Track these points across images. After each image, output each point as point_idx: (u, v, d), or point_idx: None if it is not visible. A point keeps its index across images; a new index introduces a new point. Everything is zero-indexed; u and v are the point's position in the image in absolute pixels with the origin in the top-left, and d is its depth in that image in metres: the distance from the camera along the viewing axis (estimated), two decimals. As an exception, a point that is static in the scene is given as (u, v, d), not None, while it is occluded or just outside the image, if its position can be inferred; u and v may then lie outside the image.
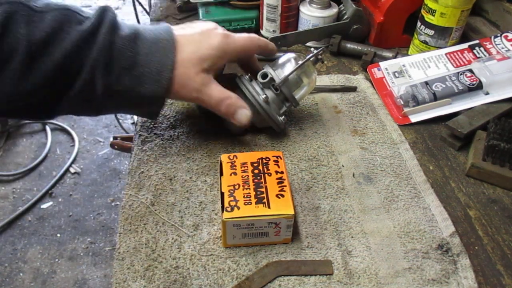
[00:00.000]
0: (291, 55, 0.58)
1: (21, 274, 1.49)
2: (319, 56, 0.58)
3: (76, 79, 0.44)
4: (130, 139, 1.43)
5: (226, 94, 0.51)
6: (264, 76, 0.55)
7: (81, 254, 1.56)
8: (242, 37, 0.53)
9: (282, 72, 0.56)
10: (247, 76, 0.56)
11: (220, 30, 0.52)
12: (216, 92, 0.50)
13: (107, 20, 0.45)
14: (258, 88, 0.55)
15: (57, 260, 1.53)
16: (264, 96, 0.55)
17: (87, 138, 2.06)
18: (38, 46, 0.41)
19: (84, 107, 0.48)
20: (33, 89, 0.43)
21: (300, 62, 0.56)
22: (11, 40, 0.40)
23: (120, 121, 2.07)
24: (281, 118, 0.57)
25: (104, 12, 0.46)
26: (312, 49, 0.58)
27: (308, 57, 0.57)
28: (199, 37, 0.50)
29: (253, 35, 0.55)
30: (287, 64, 0.57)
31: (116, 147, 1.42)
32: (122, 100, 0.48)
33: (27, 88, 0.42)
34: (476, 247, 0.47)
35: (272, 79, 0.55)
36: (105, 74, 0.44)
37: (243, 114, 0.52)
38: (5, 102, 0.43)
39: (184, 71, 0.48)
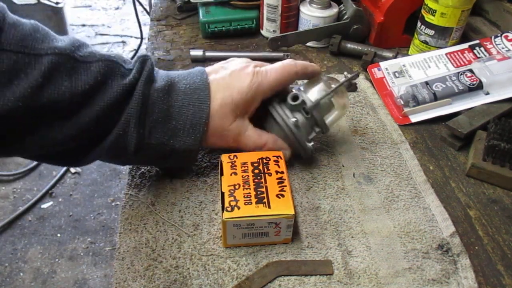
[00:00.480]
0: (323, 77, 0.55)
1: (21, 274, 1.49)
2: (353, 81, 0.56)
3: (111, 131, 0.43)
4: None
5: (263, 140, 0.50)
6: (295, 98, 0.51)
7: (81, 254, 1.56)
8: (275, 70, 0.50)
9: (313, 95, 0.52)
10: (277, 98, 0.53)
11: (251, 68, 0.49)
12: (253, 139, 0.49)
13: (145, 72, 0.44)
14: (288, 111, 0.52)
15: (57, 260, 1.54)
16: (295, 119, 0.51)
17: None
18: (80, 98, 0.40)
19: (114, 158, 0.46)
20: (67, 139, 0.42)
21: (333, 86, 0.53)
22: (53, 91, 0.39)
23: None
24: (310, 144, 0.53)
25: (144, 63, 0.45)
26: (345, 73, 0.55)
27: (342, 81, 0.54)
28: (230, 80, 0.48)
29: (287, 62, 0.52)
30: (318, 86, 0.53)
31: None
32: (154, 152, 0.46)
33: (60, 138, 0.41)
34: (476, 247, 0.47)
35: (303, 102, 0.51)
36: (138, 127, 0.44)
37: (285, 157, 0.50)
38: (37, 147, 0.42)
39: (219, 123, 0.47)
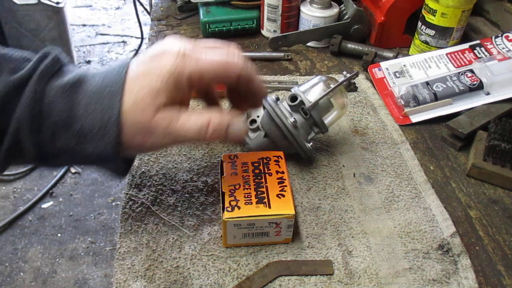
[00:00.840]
0: (322, 77, 0.54)
1: (21, 273, 1.49)
2: (352, 80, 0.55)
3: (3, 138, 0.36)
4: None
5: (205, 117, 0.39)
6: (293, 98, 0.51)
7: (82, 253, 1.56)
8: (211, 57, 0.38)
9: (312, 95, 0.52)
10: (274, 97, 0.52)
11: (176, 47, 0.38)
12: (191, 121, 0.38)
13: (42, 66, 0.36)
14: (286, 111, 0.51)
15: (57, 259, 1.54)
16: (293, 119, 0.50)
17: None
18: None
19: (22, 164, 0.40)
20: None
21: (332, 86, 0.52)
22: None
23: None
24: (309, 144, 0.52)
25: (43, 57, 0.37)
26: (344, 72, 0.54)
27: (340, 80, 0.53)
28: (150, 65, 0.38)
29: (232, 51, 0.40)
30: (317, 86, 0.53)
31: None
32: (66, 159, 0.39)
33: None
34: (477, 247, 0.47)
35: (301, 102, 0.51)
36: (32, 135, 0.36)
37: (237, 129, 0.40)
38: None
39: (138, 118, 0.37)
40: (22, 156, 0.37)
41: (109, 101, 0.36)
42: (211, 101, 0.48)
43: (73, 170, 1.87)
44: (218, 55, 0.39)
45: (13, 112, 0.35)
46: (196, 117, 0.38)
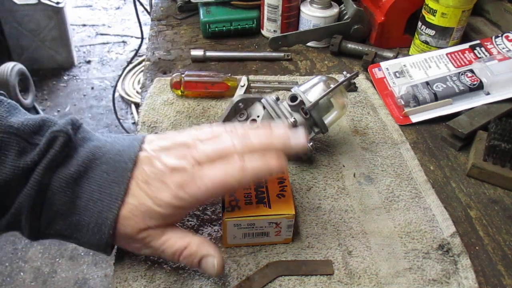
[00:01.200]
0: (322, 77, 0.54)
1: (21, 273, 1.49)
2: (352, 80, 0.55)
3: (3, 215, 0.38)
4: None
5: (184, 242, 0.39)
6: (293, 98, 0.51)
7: (82, 253, 1.56)
8: (212, 177, 0.37)
9: (312, 95, 0.52)
10: (274, 97, 0.53)
11: (178, 177, 0.37)
12: (170, 243, 0.39)
13: (50, 154, 0.37)
14: (286, 111, 0.51)
15: (57, 259, 1.54)
16: (293, 119, 0.50)
17: (88, 137, 2.06)
18: None
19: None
20: None
21: (332, 86, 0.52)
22: None
23: (121, 120, 2.07)
24: (309, 144, 0.52)
25: (52, 141, 0.37)
26: (344, 72, 0.54)
27: (341, 80, 0.53)
28: (153, 184, 0.38)
29: (233, 167, 0.38)
30: (317, 86, 0.53)
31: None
32: (58, 239, 0.41)
33: None
34: (477, 248, 0.47)
35: (301, 102, 0.51)
36: (31, 220, 0.37)
37: (209, 264, 0.39)
38: None
39: (125, 230, 0.38)
40: (21, 232, 0.39)
41: (108, 203, 0.38)
42: None
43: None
44: (217, 170, 0.38)
45: (17, 194, 0.36)
46: (174, 240, 0.39)
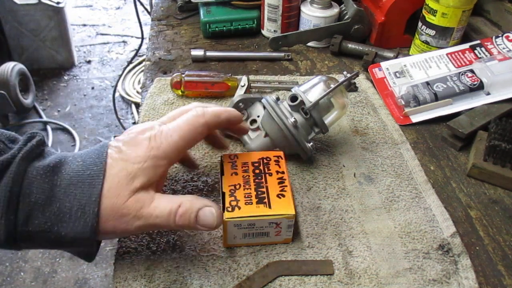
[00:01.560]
0: (322, 77, 0.54)
1: (22, 273, 1.49)
2: (352, 80, 0.55)
3: None
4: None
5: (176, 202, 0.39)
6: (294, 98, 0.51)
7: (82, 253, 1.56)
8: (177, 127, 0.41)
9: (313, 95, 0.52)
10: (274, 97, 0.53)
11: (148, 132, 0.40)
12: (162, 205, 0.39)
13: (26, 148, 0.37)
14: (286, 111, 0.51)
15: (58, 259, 1.54)
16: (293, 119, 0.50)
17: (88, 137, 2.06)
18: None
19: None
20: None
21: (332, 86, 0.52)
22: None
23: (121, 120, 2.07)
24: (309, 144, 0.52)
25: (29, 140, 0.38)
26: (345, 72, 0.54)
27: (341, 80, 0.53)
28: (125, 149, 0.39)
29: (192, 114, 0.42)
30: (317, 86, 0.53)
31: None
32: (36, 242, 0.38)
33: None
34: (477, 248, 0.47)
35: (302, 102, 0.51)
36: (8, 213, 0.35)
37: (207, 215, 0.40)
38: None
39: (113, 201, 0.37)
40: None
41: (89, 183, 0.37)
42: (217, 144, 0.52)
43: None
44: (179, 121, 0.42)
45: None
46: (166, 202, 0.39)
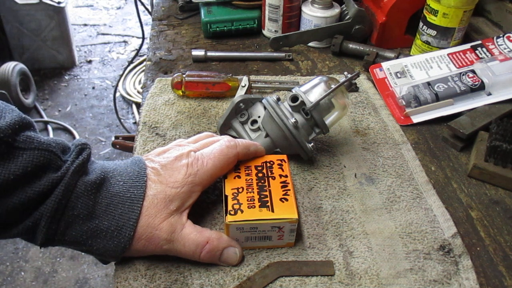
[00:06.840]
0: (323, 77, 0.54)
1: (22, 273, 1.49)
2: (353, 81, 0.55)
3: (23, 221, 0.38)
4: (132, 138, 1.43)
5: (204, 237, 0.42)
6: (294, 99, 0.51)
7: (82, 253, 1.56)
8: (213, 156, 0.44)
9: (313, 95, 0.52)
10: (275, 97, 0.52)
11: (185, 158, 0.43)
12: (191, 238, 0.42)
13: (78, 161, 0.40)
14: (286, 112, 0.51)
15: (58, 259, 1.54)
16: (294, 120, 0.50)
17: (89, 137, 2.06)
18: (3, 186, 0.36)
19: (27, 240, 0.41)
20: None
21: (333, 86, 0.52)
22: None
23: (122, 120, 2.07)
24: (310, 145, 0.52)
25: (80, 153, 0.41)
26: (345, 73, 0.54)
27: (341, 81, 0.53)
28: (164, 173, 0.43)
29: (226, 144, 0.46)
30: (318, 87, 0.53)
31: (117, 146, 1.42)
32: (67, 246, 0.41)
33: None
34: (478, 248, 0.47)
35: (302, 103, 0.51)
36: (51, 222, 0.38)
37: (231, 255, 0.43)
38: None
39: (148, 221, 0.40)
40: (32, 237, 0.39)
41: (129, 206, 0.40)
42: None
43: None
44: (214, 149, 0.45)
45: (41, 204, 0.38)
46: (195, 235, 0.42)
